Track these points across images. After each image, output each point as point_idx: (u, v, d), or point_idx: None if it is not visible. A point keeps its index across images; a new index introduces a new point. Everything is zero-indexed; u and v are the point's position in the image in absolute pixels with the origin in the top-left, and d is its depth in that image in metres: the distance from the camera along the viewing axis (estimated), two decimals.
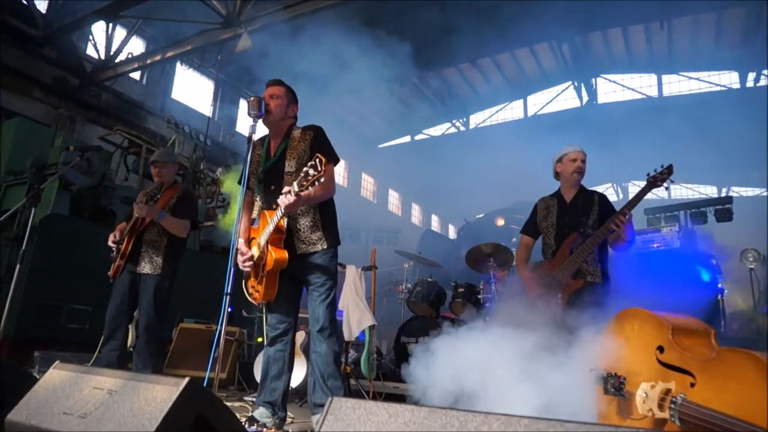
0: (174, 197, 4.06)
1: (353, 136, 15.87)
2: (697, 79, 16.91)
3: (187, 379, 1.51)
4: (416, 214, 24.62)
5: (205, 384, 2.54)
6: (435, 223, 25.52)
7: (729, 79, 16.48)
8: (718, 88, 16.52)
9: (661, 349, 1.96)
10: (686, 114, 14.42)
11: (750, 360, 1.57)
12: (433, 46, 10.64)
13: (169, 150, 4.43)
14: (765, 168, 11.08)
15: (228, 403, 3.85)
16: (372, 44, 9.56)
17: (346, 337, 4.27)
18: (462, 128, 20.66)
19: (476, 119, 20.61)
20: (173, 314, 5.69)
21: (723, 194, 18.13)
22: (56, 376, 1.83)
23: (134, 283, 3.89)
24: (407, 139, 21.25)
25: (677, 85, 17.45)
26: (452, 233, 24.00)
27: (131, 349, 4.18)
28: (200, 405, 1.55)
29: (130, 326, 4.79)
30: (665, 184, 3.30)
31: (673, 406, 1.73)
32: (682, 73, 17.12)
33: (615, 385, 2.07)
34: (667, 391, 1.83)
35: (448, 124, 20.77)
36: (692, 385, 1.73)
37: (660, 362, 1.94)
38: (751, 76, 15.94)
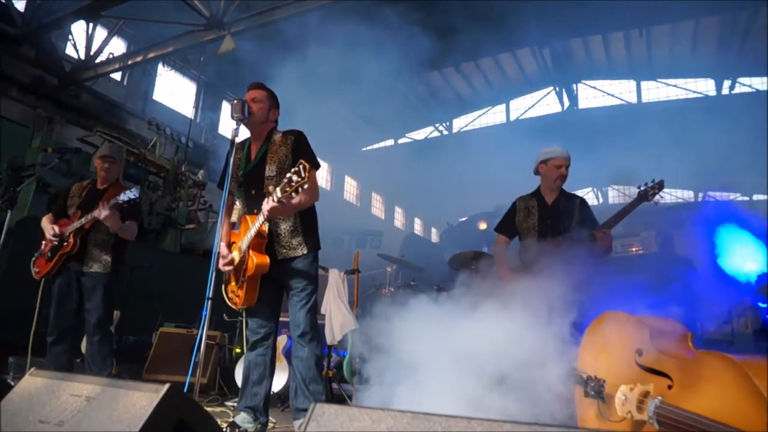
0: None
1: (336, 139, 15.84)
2: (675, 86, 17.26)
3: (167, 385, 1.49)
4: (399, 218, 24.66)
5: (185, 389, 2.51)
6: (418, 227, 25.58)
7: (705, 86, 16.86)
8: (695, 95, 16.89)
9: (639, 352, 1.99)
10: (664, 120, 14.71)
11: (725, 362, 1.60)
12: (416, 51, 10.67)
13: (120, 146, 4.30)
14: (741, 174, 11.33)
15: (209, 409, 3.82)
16: (355, 48, 9.57)
17: (329, 341, 4.25)
18: (445, 132, 20.78)
19: (459, 123, 20.74)
20: (153, 318, 5.62)
21: (699, 199, 18.46)
22: (32, 383, 1.78)
23: (78, 282, 3.75)
24: (390, 142, 21.30)
25: (656, 91, 17.79)
26: (435, 237, 24.09)
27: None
28: (181, 411, 1.53)
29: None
30: (655, 198, 3.35)
31: (651, 408, 1.76)
32: (660, 80, 17.46)
33: (595, 388, 2.09)
34: (646, 394, 1.86)
35: (432, 128, 20.87)
36: (670, 387, 1.76)
37: (638, 365, 1.97)
38: (727, 83, 16.32)
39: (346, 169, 20.73)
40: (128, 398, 1.49)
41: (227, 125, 13.81)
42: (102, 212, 3.61)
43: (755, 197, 16.76)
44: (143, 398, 1.47)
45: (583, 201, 3.74)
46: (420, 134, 21.12)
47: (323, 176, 18.90)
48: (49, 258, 3.76)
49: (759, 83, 16.04)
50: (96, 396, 1.57)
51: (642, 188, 3.38)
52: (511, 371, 2.40)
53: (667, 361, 1.84)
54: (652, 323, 2.05)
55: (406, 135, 21.16)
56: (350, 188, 21.58)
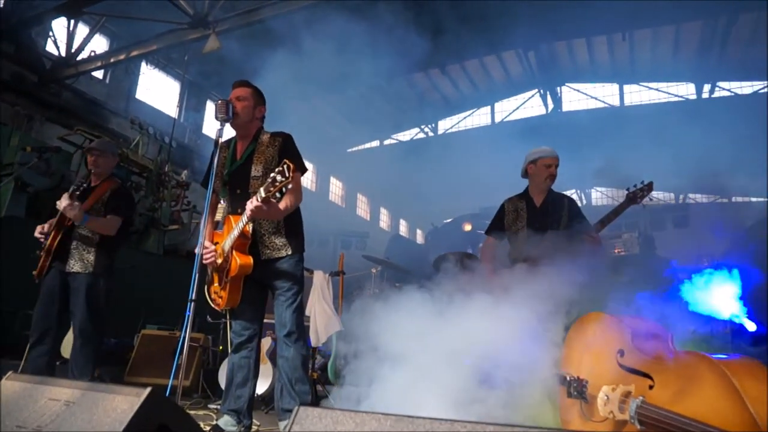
0: (107, 191, 3.79)
1: (322, 140, 15.81)
2: (657, 89, 17.54)
3: (148, 389, 1.47)
4: (384, 219, 24.68)
5: (168, 392, 2.48)
6: (403, 228, 25.62)
7: (686, 90, 17.15)
8: (676, 99, 17.17)
9: (621, 352, 2.01)
10: (646, 123, 14.93)
11: (704, 362, 1.63)
12: (403, 52, 10.70)
13: (110, 141, 4.11)
14: (724, 176, 11.52)
15: (192, 412, 3.78)
16: (341, 48, 9.55)
17: (313, 342, 4.23)
18: (430, 134, 20.86)
19: (444, 125, 20.83)
20: (135, 320, 5.54)
21: (680, 201, 18.77)
22: (9, 387, 1.75)
23: (64, 283, 3.62)
24: (376, 143, 21.31)
25: (638, 94, 18.06)
26: (420, 238, 24.14)
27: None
28: (162, 415, 1.51)
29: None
30: (644, 201, 3.39)
31: (632, 408, 1.78)
32: (643, 84, 17.72)
33: (577, 389, 2.11)
34: (627, 394, 1.88)
35: (417, 130, 20.93)
36: (651, 387, 1.79)
37: (620, 365, 1.99)
38: (707, 87, 16.61)
39: (331, 170, 20.70)
40: (108, 402, 1.47)
41: (212, 125, 13.73)
42: (62, 202, 3.45)
43: (734, 199, 17.07)
44: (124, 402, 1.45)
45: (571, 200, 3.75)
46: (405, 135, 21.17)
47: (308, 177, 18.83)
48: (40, 257, 3.64)
49: (737, 87, 16.37)
50: (75, 400, 1.55)
51: (631, 190, 3.41)
52: (495, 369, 2.41)
53: (649, 361, 1.87)
54: (633, 324, 2.07)
55: (392, 136, 21.19)
56: (335, 189, 21.55)
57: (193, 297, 2.50)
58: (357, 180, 21.49)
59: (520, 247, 3.54)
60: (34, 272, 3.64)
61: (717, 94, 16.52)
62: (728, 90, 16.43)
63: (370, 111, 16.60)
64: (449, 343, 2.53)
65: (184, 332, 2.46)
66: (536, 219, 3.59)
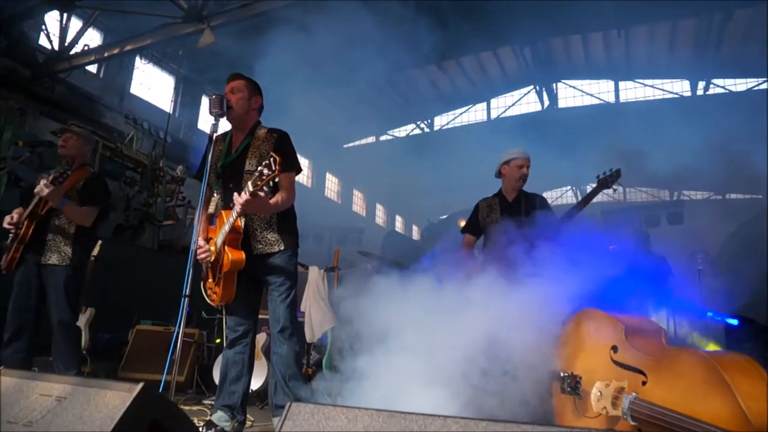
0: (81, 180, 3.67)
1: (318, 135, 15.77)
2: (652, 86, 17.56)
3: (141, 385, 1.46)
4: (380, 215, 24.67)
5: (161, 387, 2.48)
6: (399, 224, 25.63)
7: (681, 87, 17.19)
8: (671, 96, 17.20)
9: (615, 348, 2.02)
10: (641, 119, 14.95)
11: (696, 358, 1.64)
12: (398, 48, 10.67)
13: (85, 127, 4.02)
14: (716, 173, 11.57)
15: (186, 407, 3.78)
16: (338, 44, 9.52)
17: (308, 338, 4.23)
18: (426, 130, 20.84)
19: (440, 121, 20.81)
20: (129, 316, 5.53)
21: (675, 198, 18.84)
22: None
23: (39, 275, 3.50)
24: (372, 139, 21.27)
25: (633, 91, 18.08)
26: (416, 234, 24.16)
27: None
28: (155, 411, 1.50)
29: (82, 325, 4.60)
30: (614, 187, 3.60)
31: (625, 404, 1.78)
32: (638, 80, 17.74)
33: (571, 384, 2.12)
34: (620, 390, 1.89)
35: (413, 125, 20.91)
36: (644, 383, 1.79)
37: (614, 361, 2.00)
38: (701, 84, 16.66)
39: (327, 166, 20.65)
40: (100, 398, 1.46)
41: (207, 120, 13.63)
42: (40, 185, 3.33)
43: (728, 196, 17.16)
44: (116, 398, 1.44)
45: (542, 198, 4.00)
46: (401, 131, 21.15)
47: (304, 173, 18.74)
48: (8, 249, 3.49)
49: (732, 84, 16.42)
50: (67, 396, 1.53)
51: (601, 176, 3.64)
52: (491, 363, 2.41)
53: (642, 357, 1.88)
54: (627, 320, 2.08)
55: (388, 132, 21.16)
56: (331, 185, 21.52)
57: (187, 292, 2.50)
58: (353, 176, 21.46)
59: (493, 237, 3.74)
60: (1, 264, 3.51)
61: (711, 91, 16.56)
62: (723, 87, 16.47)
63: (366, 107, 16.57)
64: (442, 332, 2.55)
65: (178, 328, 2.45)
66: (509, 212, 3.81)
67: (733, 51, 14.62)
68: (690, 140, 11.27)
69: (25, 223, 3.48)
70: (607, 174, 3.63)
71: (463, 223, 4.14)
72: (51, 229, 3.54)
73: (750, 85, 16.05)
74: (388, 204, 24.65)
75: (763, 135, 9.49)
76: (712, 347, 6.26)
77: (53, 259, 3.49)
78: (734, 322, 6.47)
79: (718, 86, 16.51)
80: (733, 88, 16.36)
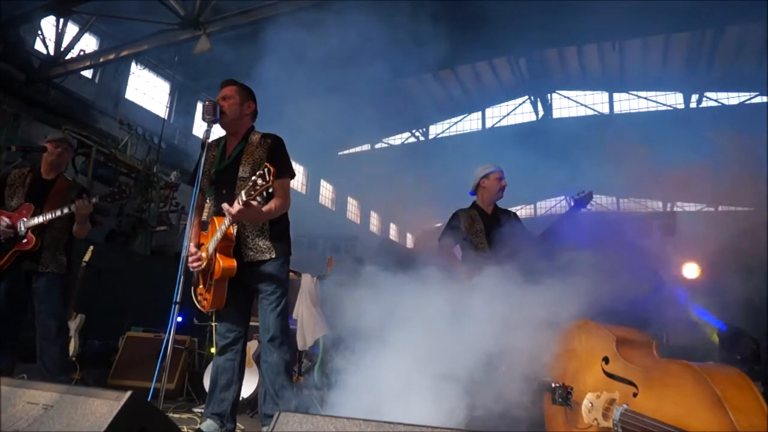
0: (72, 191, 3.70)
1: (313, 142, 15.77)
2: (646, 98, 17.71)
3: (129, 393, 1.45)
4: (375, 223, 24.65)
5: (150, 395, 2.45)
6: (393, 232, 25.61)
7: (674, 99, 17.34)
8: (665, 108, 17.34)
9: (606, 360, 2.02)
10: (635, 131, 15.05)
11: (687, 371, 1.64)
12: (394, 57, 10.72)
13: (71, 136, 4.02)
14: (708, 185, 11.63)
15: (176, 415, 3.74)
16: (334, 52, 9.54)
17: (300, 346, 4.21)
18: (421, 138, 20.89)
19: (435, 129, 20.88)
20: (120, 322, 5.49)
21: (668, 209, 18.91)
22: None
23: (27, 284, 3.53)
24: (367, 147, 21.30)
25: (627, 103, 18.22)
26: (410, 242, 24.14)
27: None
28: (143, 420, 1.49)
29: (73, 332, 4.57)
30: (589, 207, 3.84)
31: (616, 415, 1.78)
32: (632, 92, 17.89)
33: (562, 395, 2.12)
34: (611, 401, 1.88)
35: (408, 134, 20.95)
36: (635, 395, 1.79)
37: (605, 373, 2.00)
38: (694, 97, 16.81)
39: (322, 173, 20.65)
40: (87, 406, 1.45)
41: (202, 126, 13.57)
42: (85, 207, 3.42)
43: (720, 209, 17.24)
44: (103, 406, 1.43)
45: (515, 214, 4.18)
46: (396, 140, 21.18)
47: (298, 179, 18.79)
48: (4, 250, 3.46)
49: (725, 98, 16.57)
50: (54, 404, 1.52)
51: (576, 197, 3.86)
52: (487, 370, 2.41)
53: (633, 369, 1.88)
54: (618, 332, 2.08)
55: (383, 140, 21.19)
56: (326, 192, 21.50)
57: (178, 299, 2.48)
58: (347, 183, 21.46)
59: (480, 247, 3.89)
60: None
61: (705, 104, 16.71)
62: (715, 100, 16.63)
63: (361, 114, 16.59)
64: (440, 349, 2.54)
65: (168, 334, 2.43)
66: (491, 225, 3.94)
67: (726, 65, 14.79)
68: (684, 152, 11.37)
69: (29, 231, 3.50)
70: (579, 195, 3.85)
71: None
72: (47, 238, 3.59)
73: (742, 99, 16.21)
74: (383, 212, 24.64)
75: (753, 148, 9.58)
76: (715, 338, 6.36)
77: (51, 267, 3.55)
78: (723, 328, 6.55)
79: (711, 99, 16.66)
80: (725, 102, 16.51)
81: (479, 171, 4.15)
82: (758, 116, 12.99)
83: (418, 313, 2.68)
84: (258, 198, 2.40)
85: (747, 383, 1.52)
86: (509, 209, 4.21)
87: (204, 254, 2.80)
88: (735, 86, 15.77)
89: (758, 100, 15.80)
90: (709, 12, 11.86)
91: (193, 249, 2.83)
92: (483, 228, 3.95)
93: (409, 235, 24.95)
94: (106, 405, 1.44)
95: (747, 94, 15.97)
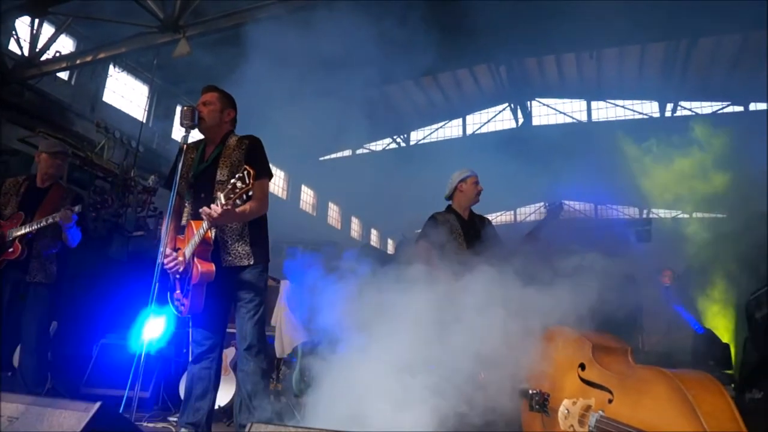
0: (65, 197, 3.69)
1: (294, 147, 15.70)
2: (623, 106, 18.05)
3: (98, 404, 1.41)
4: (356, 228, 24.61)
5: (123, 404, 2.40)
6: (374, 238, 25.59)
7: (650, 108, 17.70)
8: (641, 116, 17.69)
9: (582, 366, 2.04)
10: (612, 139, 15.30)
11: (660, 377, 1.66)
12: (376, 63, 10.75)
13: (63, 143, 4.01)
14: (684, 192, 11.88)
15: (150, 424, 3.68)
16: (316, 57, 9.53)
17: (278, 353, 4.17)
18: (402, 144, 20.95)
19: (416, 136, 20.97)
20: (94, 329, 5.37)
21: (644, 216, 19.24)
22: None
23: (14, 292, 3.49)
24: (348, 152, 21.28)
25: (605, 111, 18.54)
26: (391, 248, 24.15)
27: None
28: (113, 431, 1.45)
29: None
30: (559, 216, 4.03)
31: (592, 422, 1.79)
32: (609, 101, 18.21)
33: (539, 402, 2.13)
34: (587, 408, 1.90)
35: (389, 140, 21.00)
36: (610, 401, 1.81)
37: (581, 379, 2.02)
38: (669, 106, 17.18)
39: (302, 178, 20.56)
40: (55, 418, 1.41)
41: (180, 130, 13.40)
42: (67, 216, 3.38)
43: (695, 215, 17.59)
44: (71, 418, 1.39)
45: (489, 221, 4.24)
46: (378, 145, 21.21)
47: (279, 185, 18.67)
48: None
49: (698, 107, 16.98)
50: (19, 416, 1.47)
51: (548, 207, 4.12)
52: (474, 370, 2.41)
53: (608, 375, 1.89)
54: (594, 338, 2.10)
55: (364, 146, 21.20)
56: (307, 197, 21.40)
57: (153, 305, 2.44)
58: (329, 189, 21.40)
59: (459, 250, 3.87)
60: None
61: (679, 112, 17.08)
62: (689, 110, 17.01)
63: (343, 120, 16.58)
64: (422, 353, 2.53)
65: (142, 341, 2.39)
66: (469, 230, 4.01)
67: (699, 75, 15.15)
68: (658, 160, 11.59)
69: (16, 240, 3.45)
70: (553, 205, 4.06)
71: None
72: (36, 247, 3.54)
73: (714, 109, 16.62)
74: (364, 217, 24.62)
75: (726, 157, 9.83)
76: None
77: (39, 277, 3.52)
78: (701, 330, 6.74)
79: (685, 108, 17.04)
80: (699, 111, 16.91)
81: (456, 175, 4.21)
82: (731, 124, 13.25)
83: (398, 317, 2.67)
84: (237, 201, 2.38)
85: (718, 388, 1.55)
86: (483, 216, 4.26)
87: (181, 258, 2.75)
88: (707, 96, 16.18)
89: (730, 109, 16.23)
90: (683, 22, 12.16)
91: (168, 250, 2.78)
92: (461, 231, 3.99)
93: (390, 241, 24.96)
94: (75, 417, 1.40)
95: (720, 103, 16.38)
